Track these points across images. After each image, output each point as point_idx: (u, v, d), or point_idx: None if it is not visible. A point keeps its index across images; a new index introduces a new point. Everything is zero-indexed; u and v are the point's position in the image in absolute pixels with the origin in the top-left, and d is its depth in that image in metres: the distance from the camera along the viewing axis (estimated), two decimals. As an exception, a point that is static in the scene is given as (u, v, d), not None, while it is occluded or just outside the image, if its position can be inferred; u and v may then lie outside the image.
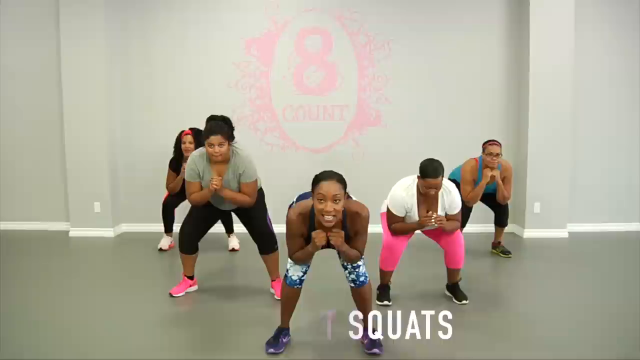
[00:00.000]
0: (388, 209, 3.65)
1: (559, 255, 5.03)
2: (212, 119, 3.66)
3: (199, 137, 4.88)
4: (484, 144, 4.71)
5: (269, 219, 3.94)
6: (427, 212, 3.55)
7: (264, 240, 3.85)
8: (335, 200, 2.67)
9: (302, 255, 2.90)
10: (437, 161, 3.49)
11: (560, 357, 2.95)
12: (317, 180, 2.73)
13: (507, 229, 5.12)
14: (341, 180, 2.72)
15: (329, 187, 2.66)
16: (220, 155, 3.54)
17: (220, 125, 3.54)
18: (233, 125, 3.68)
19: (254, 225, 3.85)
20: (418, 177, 3.53)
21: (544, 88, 5.54)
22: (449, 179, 3.73)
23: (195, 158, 3.67)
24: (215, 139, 3.48)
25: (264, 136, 5.87)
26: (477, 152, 4.79)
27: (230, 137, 3.61)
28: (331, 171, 2.77)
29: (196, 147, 4.81)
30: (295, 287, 3.01)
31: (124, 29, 5.76)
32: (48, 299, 3.83)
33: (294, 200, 3.08)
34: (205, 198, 3.72)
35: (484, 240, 5.30)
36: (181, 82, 5.81)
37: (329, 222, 2.71)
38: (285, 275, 3.03)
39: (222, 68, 5.78)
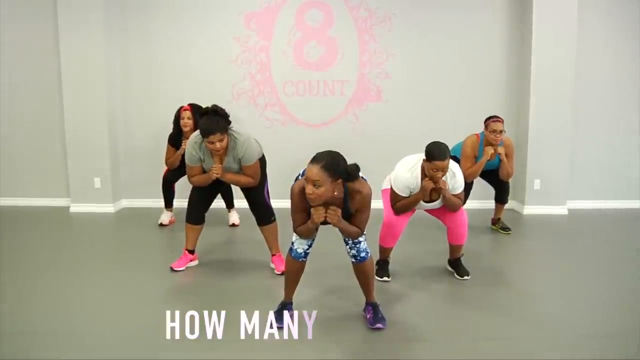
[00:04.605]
0: (392, 189, 3.63)
1: (559, 232, 5.05)
2: (204, 114, 3.55)
3: (197, 113, 4.85)
4: (486, 120, 4.68)
5: (267, 191, 3.97)
6: (429, 182, 3.50)
7: (261, 212, 3.88)
8: (315, 184, 2.67)
9: (304, 229, 2.91)
10: (444, 144, 3.45)
11: (560, 332, 2.98)
12: (310, 161, 2.73)
13: (506, 206, 5.11)
14: (327, 166, 2.67)
15: (311, 171, 2.67)
16: (222, 149, 3.57)
17: (215, 121, 3.48)
18: (226, 112, 3.58)
19: (252, 196, 3.88)
20: (424, 159, 3.49)
21: (545, 65, 5.50)
22: (450, 155, 3.72)
23: (193, 144, 3.65)
24: (214, 137, 3.48)
25: (264, 111, 5.83)
26: (478, 129, 4.77)
27: (226, 128, 3.57)
28: (324, 153, 2.74)
29: (195, 123, 4.79)
30: (300, 260, 3.03)
31: (123, 4, 5.67)
32: (49, 274, 3.84)
33: (300, 173, 3.07)
34: (206, 182, 3.76)
35: (484, 217, 5.32)
36: (181, 57, 5.75)
37: (312, 203, 2.74)
38: (291, 248, 3.05)
39: (222, 42, 5.71)
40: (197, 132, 3.63)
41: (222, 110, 3.57)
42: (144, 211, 5.71)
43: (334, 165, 2.69)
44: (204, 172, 3.75)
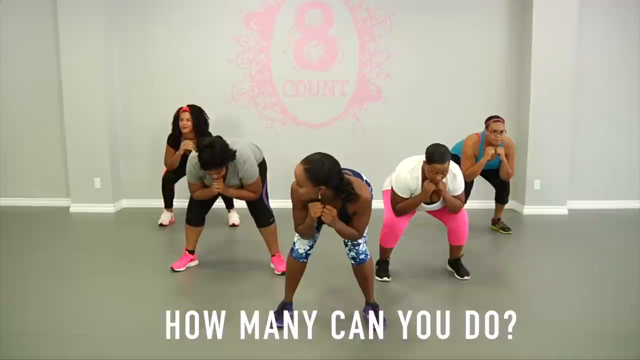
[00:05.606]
0: (392, 190, 3.63)
1: (559, 232, 5.05)
2: (204, 148, 3.48)
3: (196, 114, 4.86)
4: (486, 120, 4.68)
5: (266, 193, 3.99)
6: (431, 184, 3.49)
7: (260, 214, 3.90)
8: (298, 183, 2.73)
9: (304, 227, 2.91)
10: (444, 146, 3.43)
11: (560, 332, 2.98)
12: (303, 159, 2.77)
13: (507, 206, 5.11)
14: (309, 171, 2.67)
15: (296, 169, 2.72)
16: (220, 177, 3.67)
17: (213, 158, 3.46)
18: (225, 143, 3.54)
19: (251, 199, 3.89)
20: (424, 162, 3.47)
21: (545, 64, 5.49)
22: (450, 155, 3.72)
23: (194, 163, 3.66)
24: (211, 172, 3.57)
25: (264, 111, 5.83)
26: (478, 128, 4.77)
27: (225, 160, 3.54)
28: (314, 157, 2.73)
29: (194, 125, 4.81)
30: (301, 260, 3.04)
31: (123, 5, 5.67)
32: (49, 274, 3.85)
33: None
34: (208, 195, 3.81)
35: (484, 217, 5.31)
36: (181, 57, 5.75)
37: (300, 197, 2.80)
38: (292, 249, 3.06)
39: (222, 42, 5.71)
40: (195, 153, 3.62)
41: (220, 142, 3.51)
42: (144, 211, 5.71)
43: (315, 174, 2.68)
44: (206, 186, 3.80)
